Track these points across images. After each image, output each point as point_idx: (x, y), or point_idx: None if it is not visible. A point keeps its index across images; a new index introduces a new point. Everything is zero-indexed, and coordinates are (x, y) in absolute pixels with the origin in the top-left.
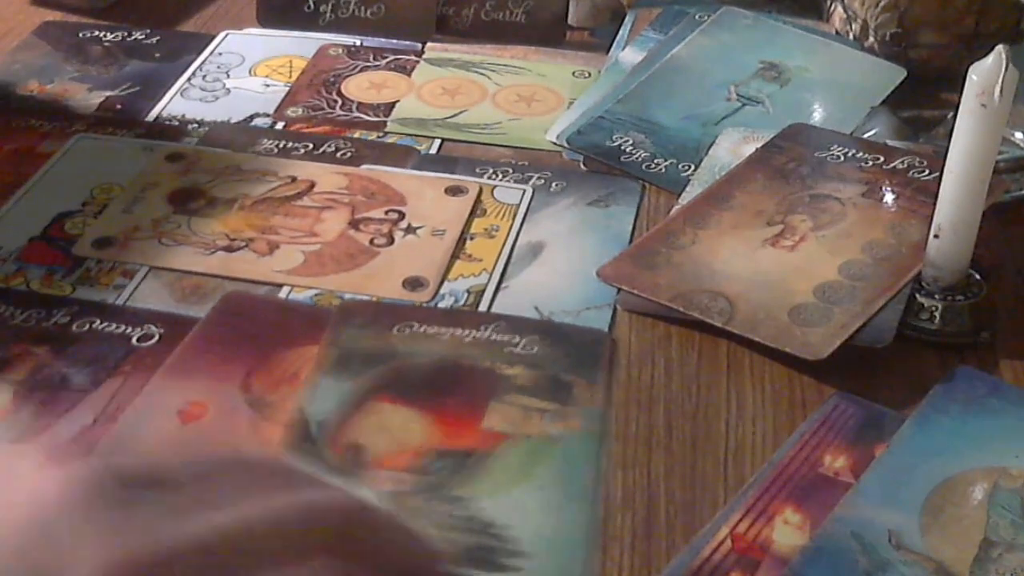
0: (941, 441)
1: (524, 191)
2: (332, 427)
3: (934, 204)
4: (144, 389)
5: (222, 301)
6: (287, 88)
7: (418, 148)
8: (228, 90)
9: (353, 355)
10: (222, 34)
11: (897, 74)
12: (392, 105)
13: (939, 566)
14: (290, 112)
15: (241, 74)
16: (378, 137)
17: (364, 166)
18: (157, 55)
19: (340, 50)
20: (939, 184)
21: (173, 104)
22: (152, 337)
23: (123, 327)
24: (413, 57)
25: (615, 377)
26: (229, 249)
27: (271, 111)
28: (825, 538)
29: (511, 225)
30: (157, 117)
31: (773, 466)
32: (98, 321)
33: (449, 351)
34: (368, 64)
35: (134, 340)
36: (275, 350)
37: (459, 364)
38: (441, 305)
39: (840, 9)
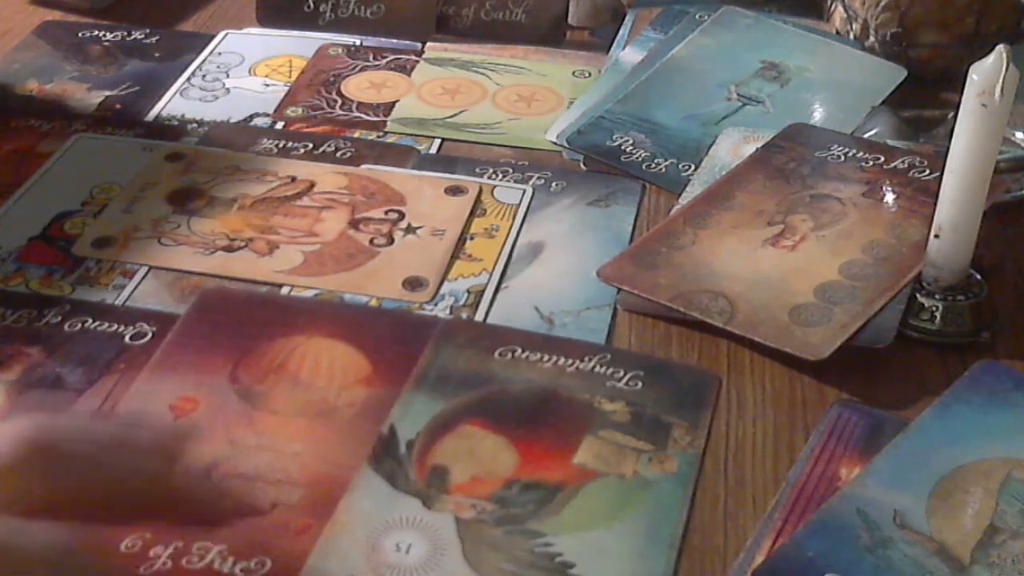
0: (959, 430)
1: (524, 191)
2: (420, 447)
3: (934, 204)
4: (132, 387)
5: (199, 298)
6: (287, 88)
7: (418, 148)
8: (228, 90)
9: (450, 375)
10: (222, 34)
11: (897, 74)
12: (392, 105)
13: (941, 547)
14: (290, 112)
15: (241, 74)
16: (378, 137)
17: (364, 166)
18: (157, 55)
19: (340, 50)
20: (939, 184)
21: (173, 104)
22: (145, 335)
23: (116, 326)
24: (413, 57)
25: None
26: (229, 249)
27: (271, 111)
28: (830, 512)
29: (511, 225)
30: (157, 117)
31: (791, 486)
32: (90, 320)
33: (548, 380)
34: (368, 64)
35: (127, 339)
36: (258, 342)
37: (557, 394)
38: (440, 304)
39: (840, 9)
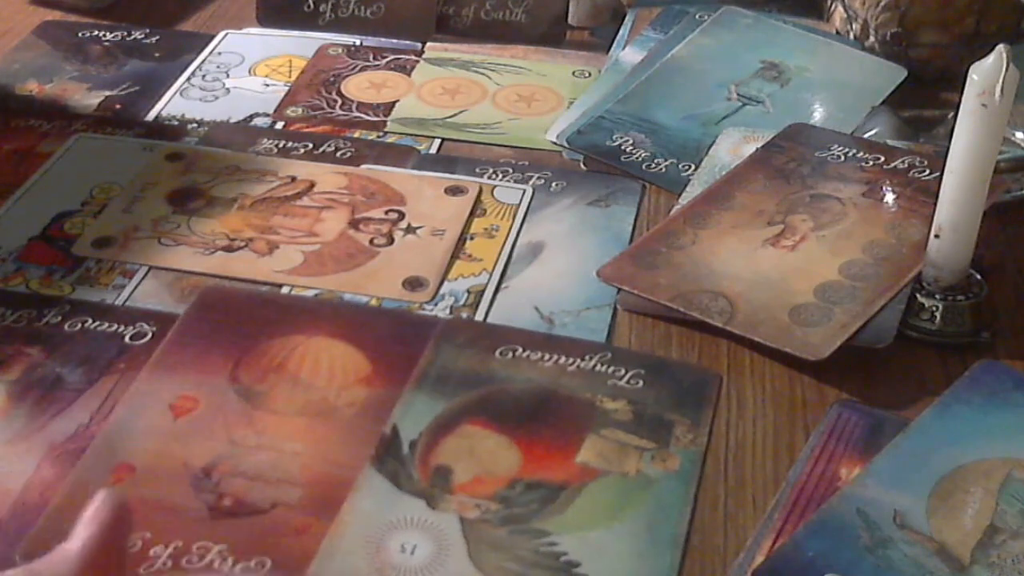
0: (959, 430)
1: (524, 191)
2: (422, 447)
3: (935, 204)
4: (132, 387)
5: (199, 297)
6: (287, 88)
7: (418, 148)
8: (228, 90)
9: (451, 374)
10: (222, 34)
11: (898, 74)
12: (392, 105)
13: (941, 547)
14: (290, 112)
15: (241, 74)
16: (378, 137)
17: (364, 166)
18: (157, 55)
19: (340, 50)
20: (939, 184)
21: (173, 104)
22: (145, 335)
23: (115, 326)
24: (413, 57)
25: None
26: (229, 249)
27: (271, 111)
28: (830, 512)
29: (511, 225)
30: (157, 117)
31: (791, 486)
32: (90, 320)
33: (550, 379)
34: (368, 64)
35: (127, 338)
36: (258, 341)
37: (558, 394)
38: (440, 304)
39: (840, 9)
